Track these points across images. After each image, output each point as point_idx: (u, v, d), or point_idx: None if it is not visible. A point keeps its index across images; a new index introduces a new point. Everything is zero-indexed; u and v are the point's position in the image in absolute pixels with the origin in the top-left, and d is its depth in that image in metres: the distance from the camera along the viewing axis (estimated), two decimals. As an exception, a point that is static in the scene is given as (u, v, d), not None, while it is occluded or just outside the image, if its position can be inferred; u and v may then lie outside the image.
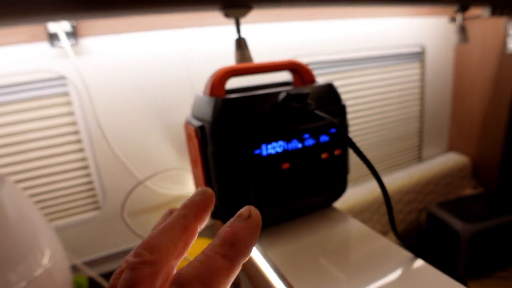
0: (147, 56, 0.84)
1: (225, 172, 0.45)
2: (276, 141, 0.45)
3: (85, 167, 0.86)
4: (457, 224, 0.97)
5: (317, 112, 0.41)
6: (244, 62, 0.68)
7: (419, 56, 1.35)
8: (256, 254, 0.67)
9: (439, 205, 1.10)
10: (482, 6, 1.02)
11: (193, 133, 0.48)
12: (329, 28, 1.10)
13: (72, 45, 0.74)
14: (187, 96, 0.91)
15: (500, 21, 1.17)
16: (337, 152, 0.51)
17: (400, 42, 1.27)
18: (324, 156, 0.50)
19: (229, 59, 0.93)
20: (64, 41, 0.72)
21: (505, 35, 1.17)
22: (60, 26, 0.71)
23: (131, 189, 0.74)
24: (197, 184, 0.56)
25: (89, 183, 0.87)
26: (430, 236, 1.15)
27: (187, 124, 0.52)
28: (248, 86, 0.60)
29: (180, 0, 0.57)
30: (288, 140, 0.46)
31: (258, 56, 0.99)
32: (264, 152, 0.45)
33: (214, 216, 0.51)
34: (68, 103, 0.80)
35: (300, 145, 0.47)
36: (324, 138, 0.49)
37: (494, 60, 1.24)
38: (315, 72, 1.12)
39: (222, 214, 0.49)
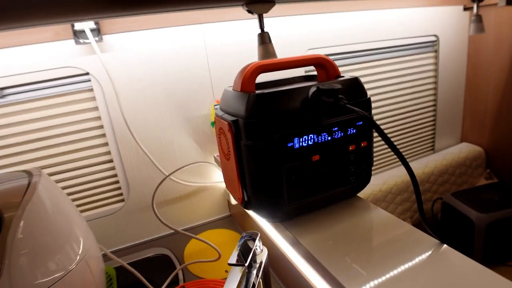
0: (168, 51, 0.86)
1: (259, 164, 0.47)
2: (307, 134, 0.47)
3: (109, 161, 0.88)
4: (472, 213, 0.99)
5: (349, 106, 0.43)
6: (268, 56, 0.69)
7: (433, 45, 1.34)
8: (283, 243, 0.70)
9: (454, 194, 1.11)
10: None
11: (226, 128, 0.50)
12: (344, 20, 1.11)
13: (96, 42, 0.76)
14: (207, 90, 0.93)
15: (517, 9, 1.16)
16: (363, 144, 0.53)
17: (415, 32, 1.27)
18: (351, 148, 0.51)
19: (247, 53, 0.95)
20: (88, 38, 0.74)
21: (521, 24, 1.17)
22: (85, 24, 0.73)
23: (159, 183, 0.77)
24: (227, 176, 0.57)
25: (114, 176, 0.90)
26: (445, 225, 1.17)
27: (219, 118, 0.54)
28: (274, 80, 0.62)
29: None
30: (318, 133, 0.48)
31: (276, 50, 1.01)
32: (296, 145, 0.46)
33: (246, 206, 0.53)
34: (92, 98, 0.83)
35: (329, 138, 0.49)
36: (351, 131, 0.51)
37: (509, 49, 1.24)
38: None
39: (254, 205, 0.51)
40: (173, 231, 0.97)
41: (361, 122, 0.51)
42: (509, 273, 1.02)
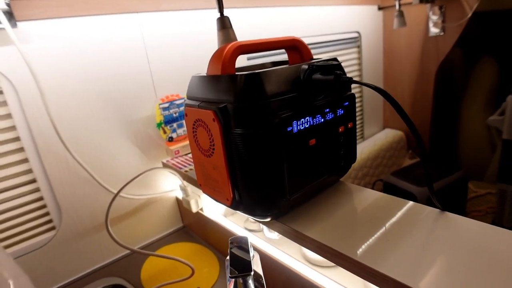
0: (99, 43, 0.73)
1: (256, 154, 0.41)
2: (304, 117, 0.43)
3: (32, 181, 0.71)
4: (413, 188, 1.08)
5: (355, 80, 0.40)
6: (229, 41, 0.63)
7: (356, 41, 1.45)
8: (265, 245, 0.64)
9: (393, 174, 1.21)
10: (414, -8, 1.14)
11: (209, 117, 0.42)
12: (274, 15, 1.10)
13: (7, 29, 0.59)
14: (149, 89, 0.82)
15: (422, 7, 1.33)
16: (350, 125, 0.51)
17: (340, 29, 1.35)
18: (341, 129, 0.49)
19: (189, 46, 0.87)
20: (3, 22, 0.57)
21: (427, 21, 1.34)
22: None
23: (111, 201, 0.64)
24: (208, 177, 0.50)
25: (39, 200, 0.72)
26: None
27: (193, 109, 0.46)
28: (247, 65, 0.57)
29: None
30: (313, 115, 0.44)
31: (205, 41, 0.95)
32: (295, 129, 0.42)
33: (235, 207, 0.47)
34: (3, 103, 0.65)
35: (322, 120, 0.46)
36: (340, 112, 0.49)
37: (419, 42, 1.41)
38: (257, 62, 1.12)
39: (247, 203, 0.45)
40: (121, 255, 0.83)
41: (347, 102, 0.49)
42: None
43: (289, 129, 0.41)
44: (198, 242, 0.88)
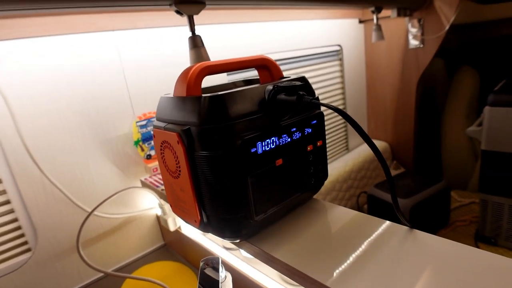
0: (74, 62, 0.73)
1: (220, 176, 0.41)
2: (269, 137, 0.43)
3: (6, 202, 0.70)
4: (395, 200, 1.09)
5: (315, 101, 0.41)
6: (201, 60, 0.64)
7: (338, 54, 1.47)
8: (240, 264, 0.64)
9: (377, 186, 1.21)
10: (391, 8, 1.16)
11: (173, 139, 0.42)
12: (258, 30, 1.12)
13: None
14: (126, 106, 0.82)
15: (402, 20, 1.36)
16: (319, 143, 0.51)
17: (322, 42, 1.37)
18: (309, 148, 0.50)
19: (166, 63, 0.87)
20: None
21: (407, 33, 1.37)
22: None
23: (83, 221, 0.63)
24: (176, 198, 0.49)
25: (13, 221, 0.71)
26: (373, 215, 1.26)
27: (160, 131, 0.46)
28: (209, 86, 0.57)
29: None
30: (279, 135, 0.44)
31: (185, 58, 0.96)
32: (260, 150, 0.42)
33: (204, 229, 0.46)
34: (-26, 125, 0.64)
35: (289, 139, 0.46)
36: (308, 131, 0.49)
37: (399, 55, 1.44)
38: (240, 76, 1.13)
39: (215, 225, 0.45)
40: (100, 275, 0.81)
41: (315, 121, 0.50)
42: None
43: (253, 150, 0.41)
44: (178, 260, 0.87)
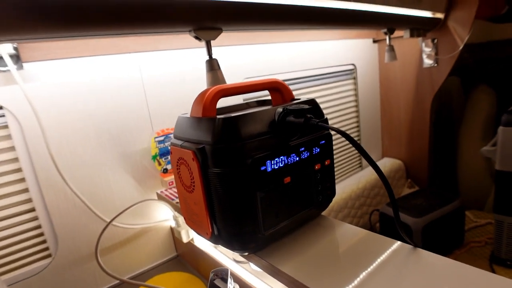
0: (99, 82, 0.78)
1: (231, 192, 0.43)
2: (278, 156, 0.46)
3: (31, 210, 0.74)
4: (408, 219, 1.08)
5: (321, 124, 0.43)
6: (218, 82, 0.67)
7: (352, 73, 1.50)
8: (247, 275, 0.65)
9: (388, 204, 1.21)
10: (404, 29, 1.19)
11: (189, 157, 0.46)
12: (275, 51, 1.16)
13: (13, 71, 0.65)
14: (145, 122, 0.87)
15: (416, 40, 1.37)
16: (327, 162, 0.54)
17: (336, 62, 1.40)
18: (317, 167, 0.52)
19: (186, 84, 0.92)
20: (7, 65, 0.63)
21: (420, 52, 1.38)
22: (2, 48, 0.62)
23: (102, 230, 0.67)
24: (190, 211, 0.52)
25: (37, 228, 0.76)
26: (384, 234, 1.25)
27: (177, 148, 0.49)
28: (225, 106, 0.60)
29: (154, 22, 0.56)
30: (287, 154, 0.47)
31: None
32: (269, 168, 0.45)
33: (215, 241, 0.49)
34: (8, 137, 0.70)
35: (297, 159, 0.49)
36: (316, 150, 0.51)
37: (413, 73, 1.45)
38: (256, 94, 1.17)
39: (225, 238, 0.47)
40: (115, 282, 0.84)
41: (324, 141, 0.52)
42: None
43: (262, 168, 0.44)
44: (190, 271, 0.89)
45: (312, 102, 0.54)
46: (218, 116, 0.44)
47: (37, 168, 0.72)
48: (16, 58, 0.64)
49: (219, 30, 0.64)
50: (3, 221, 0.70)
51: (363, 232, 0.52)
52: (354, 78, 1.51)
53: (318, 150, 0.52)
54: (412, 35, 1.18)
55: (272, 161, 0.45)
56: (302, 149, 0.49)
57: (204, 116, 0.47)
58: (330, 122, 1.33)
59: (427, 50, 1.35)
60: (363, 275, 0.41)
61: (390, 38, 1.13)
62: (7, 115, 0.69)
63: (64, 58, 0.73)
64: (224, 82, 0.67)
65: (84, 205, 0.77)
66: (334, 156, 1.44)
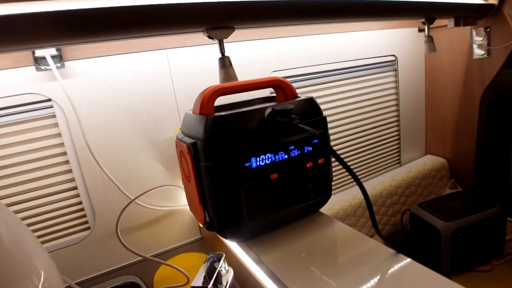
0: (132, 76, 0.86)
1: (218, 185, 0.47)
2: (264, 153, 0.48)
3: (74, 188, 0.86)
4: (437, 222, 1.03)
5: (301, 125, 0.45)
6: (229, 80, 0.71)
7: (393, 65, 1.42)
8: (250, 262, 0.69)
9: (420, 205, 1.15)
10: (447, 18, 1.10)
11: (185, 150, 0.50)
12: (308, 42, 1.16)
13: (58, 68, 0.75)
14: (173, 113, 0.94)
15: (465, 29, 1.26)
16: (320, 161, 0.55)
17: (375, 53, 1.34)
18: (308, 165, 0.53)
19: (211, 76, 0.97)
20: (50, 64, 0.73)
21: (470, 42, 1.26)
22: (46, 51, 0.73)
23: (123, 207, 0.75)
24: (190, 199, 0.58)
25: (78, 204, 0.87)
26: (414, 235, 1.20)
27: (179, 141, 0.54)
28: (234, 102, 0.64)
29: (168, 25, 0.60)
30: (275, 152, 0.49)
31: (241, 73, 1.03)
32: (254, 165, 0.48)
33: (208, 228, 0.54)
34: (55, 125, 0.81)
35: (286, 156, 0.51)
36: (308, 149, 0.53)
37: (462, 65, 1.33)
38: (299, 84, 1.17)
39: (216, 225, 0.51)
40: (141, 258, 0.94)
41: (317, 140, 0.53)
42: (478, 278, 1.06)
43: (247, 164, 0.47)
44: (209, 253, 0.96)
45: (309, 101, 0.55)
46: (214, 114, 0.48)
47: (78, 152, 0.83)
48: (59, 58, 0.74)
49: (232, 29, 0.67)
50: (51, 196, 0.83)
51: (353, 232, 0.53)
52: (395, 70, 1.43)
53: (311, 148, 0.53)
54: (457, 24, 1.09)
55: (258, 158, 0.48)
56: (292, 147, 0.51)
57: (201, 114, 0.51)
58: (364, 115, 1.30)
59: (478, 39, 1.23)
60: (333, 273, 0.43)
61: (429, 28, 1.05)
62: (55, 106, 0.80)
63: (102, 56, 0.82)
64: (235, 78, 0.70)
65: (117, 187, 0.87)
66: (368, 152, 1.40)
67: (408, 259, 0.44)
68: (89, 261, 0.88)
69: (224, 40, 0.85)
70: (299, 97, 0.57)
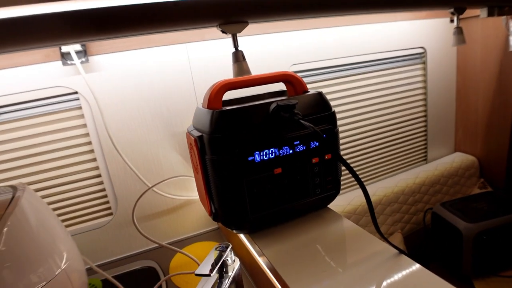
0: (153, 70, 0.89)
1: (222, 177, 0.49)
2: (268, 148, 0.49)
3: (98, 176, 0.91)
4: (460, 223, 0.98)
5: (302, 121, 0.45)
6: (242, 74, 0.72)
7: (421, 57, 1.36)
8: (256, 254, 0.71)
9: (443, 204, 1.11)
10: (478, 7, 1.03)
11: (193, 143, 0.52)
12: (330, 34, 1.14)
13: (83, 63, 0.79)
14: (192, 105, 0.96)
15: (500, 20, 1.18)
16: (327, 157, 0.54)
17: (402, 45, 1.29)
18: (314, 160, 0.53)
19: (230, 69, 0.98)
20: (74, 59, 0.77)
21: (506, 34, 1.18)
22: (71, 46, 0.77)
23: (141, 194, 0.79)
24: (199, 189, 0.60)
25: (102, 191, 0.92)
26: (435, 236, 1.16)
27: (188, 134, 0.56)
28: (245, 96, 0.64)
29: (182, 21, 0.62)
30: (279, 147, 0.50)
31: (260, 66, 1.04)
32: (257, 159, 0.48)
33: (214, 218, 0.55)
34: (81, 116, 0.86)
35: (291, 151, 0.51)
36: (314, 144, 0.52)
37: (497, 58, 1.25)
38: (321, 78, 1.16)
39: (221, 216, 0.53)
40: (159, 244, 0.99)
41: (324, 135, 0.53)
42: (502, 284, 1.01)
43: (250, 158, 0.48)
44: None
45: (317, 96, 0.54)
46: (222, 108, 0.49)
47: (102, 142, 0.87)
48: (84, 53, 0.78)
49: (245, 23, 0.68)
50: (76, 183, 0.89)
51: (358, 229, 0.52)
52: (424, 63, 1.37)
53: (317, 144, 0.53)
54: (491, 14, 1.02)
55: (261, 153, 0.48)
56: (297, 142, 0.51)
57: (209, 108, 0.52)
58: (389, 110, 1.26)
59: (516, 30, 1.15)
60: (333, 269, 0.43)
61: (458, 19, 1.00)
62: (81, 99, 0.85)
63: (124, 50, 0.86)
64: (249, 72, 0.71)
65: (137, 176, 0.91)
66: (392, 148, 1.35)
67: (410, 261, 0.43)
68: (110, 245, 0.94)
69: (242, 34, 0.86)
70: (309, 91, 0.57)
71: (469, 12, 1.05)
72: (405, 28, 1.28)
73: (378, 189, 1.21)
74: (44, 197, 0.86)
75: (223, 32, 0.68)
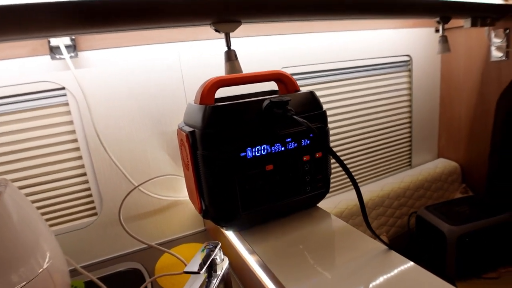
0: (143, 68, 0.88)
1: (214, 173, 0.48)
2: (260, 144, 0.49)
3: (83, 174, 0.89)
4: (444, 226, 1.01)
5: (295, 117, 0.45)
6: (234, 73, 0.72)
7: (407, 65, 1.40)
8: (245, 253, 0.70)
9: (427, 208, 1.13)
10: (463, 17, 1.07)
11: (184, 138, 0.52)
12: (320, 39, 1.15)
13: (72, 58, 0.78)
14: (181, 105, 0.95)
15: (483, 31, 1.23)
16: (318, 155, 0.55)
17: (388, 52, 1.32)
18: (305, 158, 0.54)
19: (221, 69, 0.98)
20: (64, 54, 0.76)
21: (488, 44, 1.23)
22: (61, 40, 0.75)
23: (127, 193, 0.77)
24: (188, 186, 0.59)
25: (87, 190, 0.90)
26: (419, 239, 1.18)
27: (179, 130, 0.56)
28: (238, 94, 0.64)
29: (174, 17, 0.62)
30: (271, 144, 0.50)
31: (252, 67, 1.04)
32: (249, 155, 0.48)
33: (204, 216, 0.55)
34: (67, 113, 0.84)
35: (283, 148, 0.51)
36: (305, 142, 0.53)
37: (479, 68, 1.29)
38: (310, 82, 1.17)
39: (211, 213, 0.52)
40: (146, 245, 0.97)
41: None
42: (485, 286, 1.03)
43: (242, 154, 0.48)
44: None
45: (309, 94, 0.55)
46: (206, 105, 0.49)
47: (89, 139, 0.86)
48: (73, 47, 0.77)
49: (238, 23, 0.68)
50: (61, 181, 0.86)
51: (348, 227, 0.53)
52: (409, 71, 1.41)
53: (308, 142, 0.53)
54: (474, 24, 1.06)
55: (253, 149, 0.48)
56: (289, 139, 0.51)
57: (201, 104, 0.52)
58: (376, 115, 1.29)
59: (497, 41, 1.20)
60: (324, 265, 0.43)
61: (443, 28, 1.03)
62: (68, 95, 0.83)
63: (114, 47, 0.84)
64: (240, 71, 0.71)
65: (124, 175, 0.89)
66: (377, 152, 1.38)
67: (400, 256, 0.44)
68: (94, 246, 0.91)
69: (235, 35, 0.87)
70: (300, 90, 0.58)
71: (453, 23, 1.08)
72: (392, 36, 1.31)
73: (364, 193, 1.23)
74: (27, 195, 0.83)
75: (216, 30, 0.68)
